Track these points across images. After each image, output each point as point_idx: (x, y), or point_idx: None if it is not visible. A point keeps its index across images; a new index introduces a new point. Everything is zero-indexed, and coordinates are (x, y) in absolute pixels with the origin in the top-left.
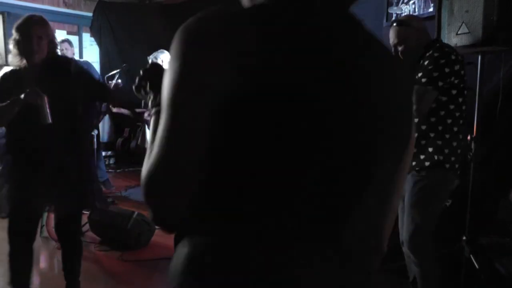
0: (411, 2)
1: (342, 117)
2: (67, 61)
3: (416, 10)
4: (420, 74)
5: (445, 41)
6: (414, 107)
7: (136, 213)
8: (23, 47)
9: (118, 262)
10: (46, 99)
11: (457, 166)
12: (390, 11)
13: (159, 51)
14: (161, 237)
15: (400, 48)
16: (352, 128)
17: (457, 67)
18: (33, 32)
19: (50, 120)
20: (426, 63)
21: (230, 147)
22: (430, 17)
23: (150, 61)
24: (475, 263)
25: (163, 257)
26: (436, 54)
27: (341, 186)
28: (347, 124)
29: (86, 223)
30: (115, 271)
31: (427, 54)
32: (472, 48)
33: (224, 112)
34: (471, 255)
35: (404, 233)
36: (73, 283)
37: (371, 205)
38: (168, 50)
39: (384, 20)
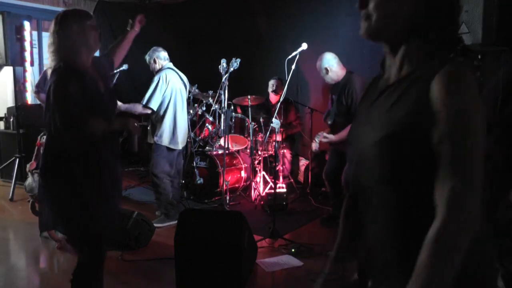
0: None
1: None
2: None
3: None
4: None
5: None
6: None
7: (136, 213)
8: (95, 46)
9: (118, 262)
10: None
11: None
12: None
13: (152, 49)
14: (161, 237)
15: None
16: None
17: None
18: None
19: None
20: None
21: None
22: None
23: (147, 60)
24: None
25: (163, 257)
26: None
27: None
28: None
29: None
30: (115, 271)
31: None
32: (472, 48)
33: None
34: None
35: None
36: None
37: None
38: (165, 48)
39: None
